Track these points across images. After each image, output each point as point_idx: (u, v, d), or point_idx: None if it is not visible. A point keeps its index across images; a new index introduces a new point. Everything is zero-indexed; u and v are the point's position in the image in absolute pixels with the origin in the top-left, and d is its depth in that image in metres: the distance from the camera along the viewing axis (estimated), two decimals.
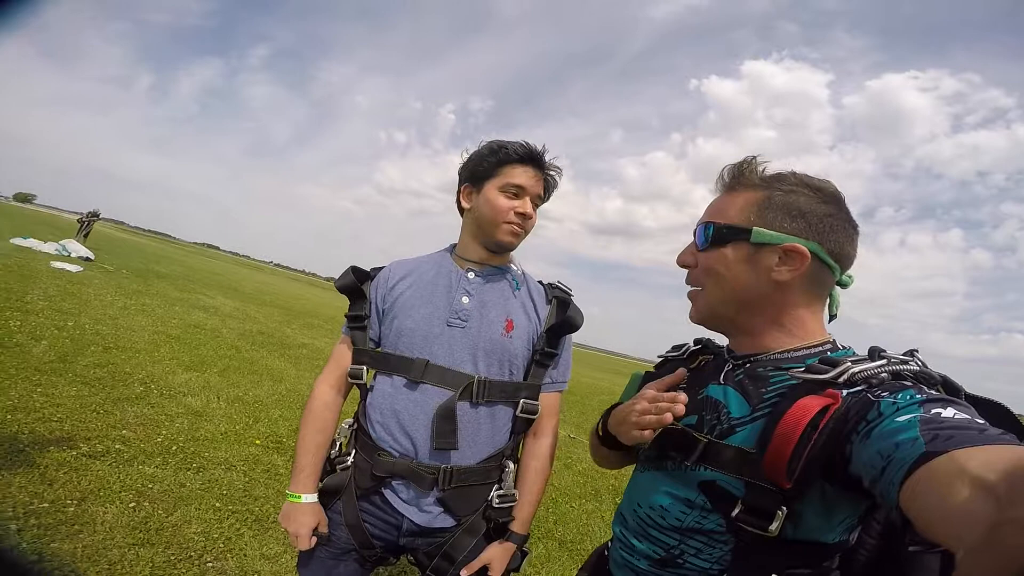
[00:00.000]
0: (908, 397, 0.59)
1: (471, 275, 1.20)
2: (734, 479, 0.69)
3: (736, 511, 0.68)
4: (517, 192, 1.15)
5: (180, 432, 3.41)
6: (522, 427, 1.21)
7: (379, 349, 1.21)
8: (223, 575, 2.09)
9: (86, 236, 17.50)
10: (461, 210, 1.24)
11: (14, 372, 3.62)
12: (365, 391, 1.23)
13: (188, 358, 5.43)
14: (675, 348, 0.99)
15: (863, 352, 0.71)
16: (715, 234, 0.78)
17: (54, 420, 3.02)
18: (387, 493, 1.15)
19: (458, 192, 1.24)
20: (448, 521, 1.15)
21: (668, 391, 0.83)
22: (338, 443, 1.25)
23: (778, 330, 0.77)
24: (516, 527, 1.19)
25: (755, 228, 0.74)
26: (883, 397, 0.61)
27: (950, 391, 0.65)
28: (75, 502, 2.26)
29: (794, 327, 0.77)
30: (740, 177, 0.79)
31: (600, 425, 0.95)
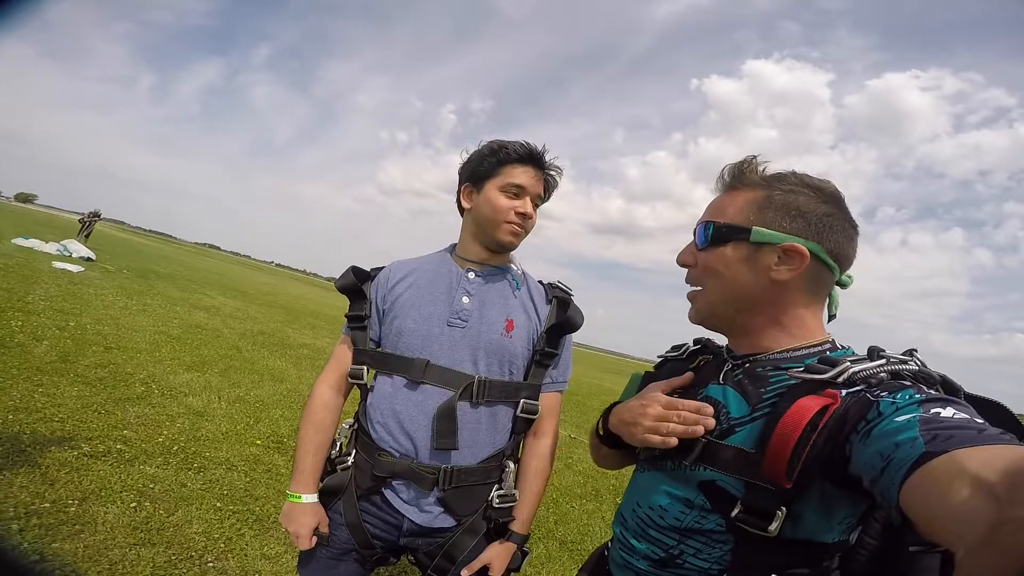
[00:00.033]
0: (907, 397, 0.59)
1: (471, 275, 1.20)
2: (733, 479, 0.69)
3: (736, 511, 0.68)
4: (517, 192, 1.15)
5: (181, 432, 3.41)
6: (522, 427, 1.21)
7: (379, 349, 1.21)
8: (224, 575, 2.10)
9: (87, 236, 17.53)
10: (461, 210, 1.24)
11: (16, 372, 3.63)
12: (365, 391, 1.23)
13: (189, 358, 5.44)
14: (675, 348, 0.99)
15: (862, 352, 0.71)
16: (715, 233, 0.78)
17: (55, 420, 3.03)
18: (387, 493, 1.15)
19: (458, 192, 1.24)
20: (448, 521, 1.15)
21: (672, 393, 0.83)
22: (338, 443, 1.25)
23: (777, 330, 0.77)
24: (516, 527, 1.19)
25: (755, 227, 0.74)
26: (882, 397, 0.61)
27: (949, 391, 0.65)
28: (76, 502, 2.26)
29: (793, 327, 0.77)
30: (740, 176, 0.79)
31: (600, 424, 0.95)
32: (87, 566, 1.90)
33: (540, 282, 1.29)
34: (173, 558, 2.09)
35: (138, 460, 2.83)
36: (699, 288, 0.83)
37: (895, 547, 0.71)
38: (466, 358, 1.14)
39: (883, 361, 0.66)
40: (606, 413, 0.93)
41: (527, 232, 1.20)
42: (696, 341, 0.96)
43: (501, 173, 1.15)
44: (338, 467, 1.20)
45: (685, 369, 0.91)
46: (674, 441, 0.73)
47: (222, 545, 2.28)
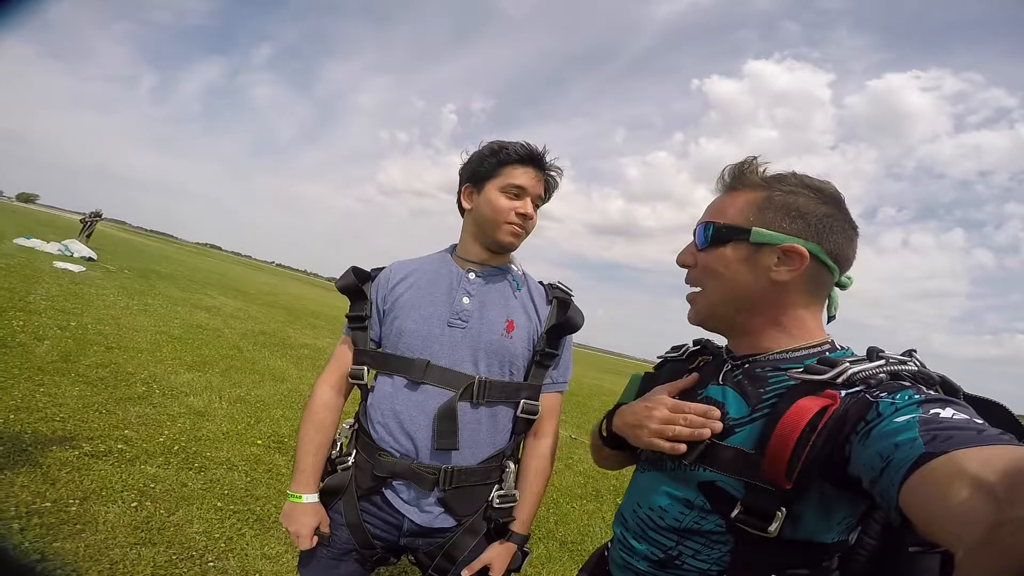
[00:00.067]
0: (907, 397, 0.59)
1: (472, 275, 1.20)
2: (733, 480, 0.69)
3: (735, 512, 0.68)
4: (518, 193, 1.16)
5: (182, 432, 3.42)
6: (523, 427, 1.21)
7: (380, 349, 1.21)
8: (224, 575, 2.10)
9: (88, 236, 17.56)
10: (462, 210, 1.24)
11: (17, 372, 3.63)
12: (366, 391, 1.23)
13: (190, 358, 5.45)
14: (674, 348, 0.99)
15: (861, 352, 0.71)
16: (715, 234, 0.78)
17: (57, 420, 3.03)
18: (388, 493, 1.15)
19: (459, 192, 1.24)
20: (449, 521, 1.15)
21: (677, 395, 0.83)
22: (339, 443, 1.25)
23: (777, 330, 0.77)
24: (517, 527, 1.19)
25: (754, 228, 0.74)
26: (882, 398, 0.61)
27: (948, 391, 0.65)
28: (77, 501, 2.27)
29: (793, 327, 0.77)
30: (741, 177, 0.80)
31: (604, 425, 0.95)
32: (88, 565, 1.90)
33: (540, 283, 1.29)
34: (174, 557, 2.09)
35: (139, 460, 2.84)
36: (698, 289, 0.83)
37: (894, 547, 0.71)
38: (466, 358, 1.14)
39: (882, 362, 0.66)
40: (610, 414, 0.93)
41: (527, 233, 1.20)
42: (696, 342, 0.96)
43: (501, 174, 1.15)
44: (338, 467, 1.20)
45: (685, 370, 0.91)
46: (683, 447, 0.73)
47: (223, 545, 2.28)
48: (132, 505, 2.37)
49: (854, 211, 0.77)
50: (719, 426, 0.72)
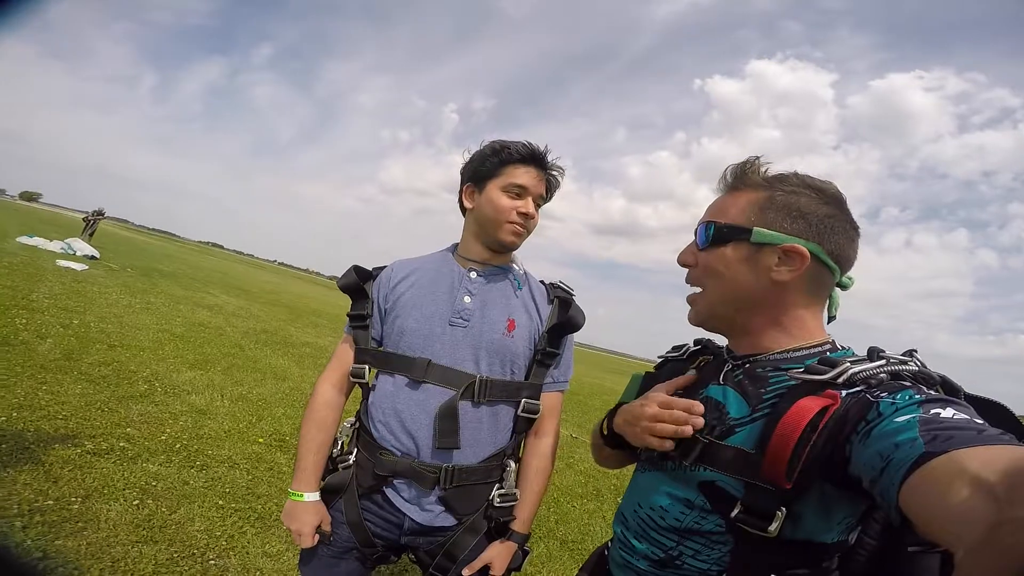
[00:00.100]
0: (907, 397, 0.59)
1: (473, 275, 1.20)
2: (733, 480, 0.69)
3: (735, 512, 0.68)
4: (519, 192, 1.16)
5: (184, 430, 3.43)
6: (524, 426, 1.21)
7: (381, 348, 1.21)
8: (225, 573, 2.11)
9: (91, 235, 17.61)
10: (463, 210, 1.24)
11: (20, 370, 3.65)
12: (367, 390, 1.23)
13: (192, 356, 5.46)
14: (675, 348, 0.99)
15: (862, 352, 0.71)
16: (716, 233, 0.78)
17: (59, 418, 3.04)
18: (389, 492, 1.15)
19: (460, 192, 1.24)
20: (449, 520, 1.15)
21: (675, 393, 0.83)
22: (340, 442, 1.25)
23: (777, 330, 0.77)
24: (517, 526, 1.19)
25: (755, 228, 0.74)
26: (882, 397, 0.61)
27: (949, 391, 0.65)
28: (79, 499, 2.28)
29: (793, 327, 0.77)
30: (742, 177, 0.80)
31: (605, 424, 0.95)
32: (89, 563, 1.91)
33: (542, 282, 1.29)
34: (175, 555, 2.10)
35: (141, 458, 2.85)
36: (699, 290, 0.83)
37: (894, 547, 0.71)
38: (468, 357, 1.14)
39: (883, 362, 0.66)
40: (611, 414, 0.93)
41: (529, 232, 1.20)
42: (696, 342, 0.96)
43: (503, 173, 1.16)
44: (340, 466, 1.21)
45: (686, 370, 0.91)
46: (670, 444, 0.74)
47: (224, 543, 2.28)
48: (134, 503, 2.38)
49: (857, 211, 0.77)
50: (700, 422, 0.73)
